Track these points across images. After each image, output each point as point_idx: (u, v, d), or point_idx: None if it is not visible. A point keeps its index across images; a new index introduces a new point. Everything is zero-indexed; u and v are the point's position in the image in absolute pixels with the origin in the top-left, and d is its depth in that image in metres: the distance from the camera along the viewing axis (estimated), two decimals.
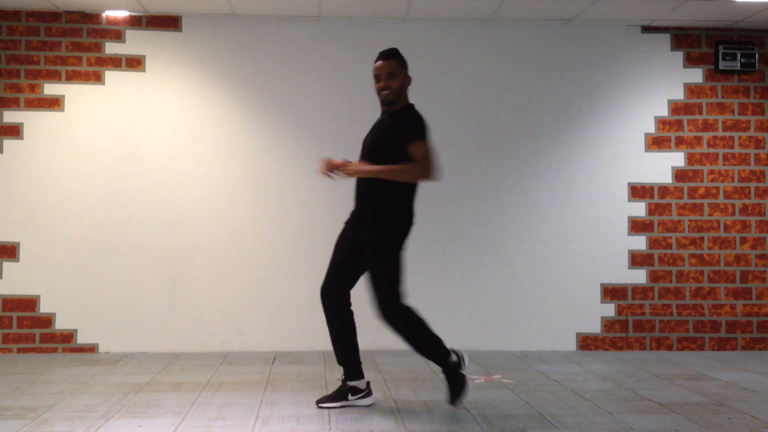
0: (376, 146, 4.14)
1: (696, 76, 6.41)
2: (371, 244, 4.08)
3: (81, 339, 6.00)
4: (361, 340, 6.10)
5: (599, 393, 4.60)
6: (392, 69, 4.11)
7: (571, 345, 6.27)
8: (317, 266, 6.19)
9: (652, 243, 6.33)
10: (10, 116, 6.04)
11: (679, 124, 6.39)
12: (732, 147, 6.39)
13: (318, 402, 4.23)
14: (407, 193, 4.11)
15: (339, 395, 4.22)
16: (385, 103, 4.16)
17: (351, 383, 4.23)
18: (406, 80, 4.17)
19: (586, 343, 6.28)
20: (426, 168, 3.98)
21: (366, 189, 4.12)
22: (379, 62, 4.14)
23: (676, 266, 6.33)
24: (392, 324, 4.11)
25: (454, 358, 4.14)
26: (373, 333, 6.18)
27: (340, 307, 4.24)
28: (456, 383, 4.13)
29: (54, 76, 6.08)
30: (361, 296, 6.26)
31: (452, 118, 6.27)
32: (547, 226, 6.30)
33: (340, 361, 4.28)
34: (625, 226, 6.33)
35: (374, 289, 4.12)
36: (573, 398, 4.47)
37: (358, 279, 4.23)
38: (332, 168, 4.13)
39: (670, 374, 5.23)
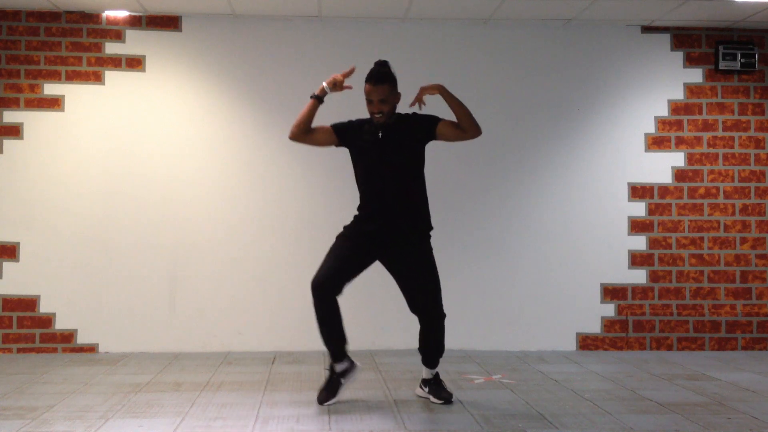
0: (409, 161, 4.27)
1: (696, 76, 6.41)
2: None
3: (81, 339, 6.00)
4: (361, 339, 6.15)
5: (599, 393, 4.60)
6: (384, 95, 4.16)
7: (571, 345, 6.27)
8: (317, 266, 6.21)
9: (652, 243, 6.33)
10: (10, 116, 6.04)
11: (679, 124, 6.39)
12: (732, 147, 6.39)
13: (323, 401, 4.27)
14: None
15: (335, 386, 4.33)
16: (378, 124, 4.24)
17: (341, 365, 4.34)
18: (398, 99, 4.26)
19: (586, 343, 6.28)
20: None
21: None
22: (371, 87, 4.17)
23: (676, 266, 6.33)
24: None
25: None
26: (373, 333, 6.21)
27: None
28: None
29: (54, 76, 6.08)
30: (354, 297, 6.25)
31: (451, 118, 6.25)
32: (547, 226, 6.30)
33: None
34: (625, 226, 6.33)
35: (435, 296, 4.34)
36: (573, 398, 4.47)
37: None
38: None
39: (670, 374, 5.23)
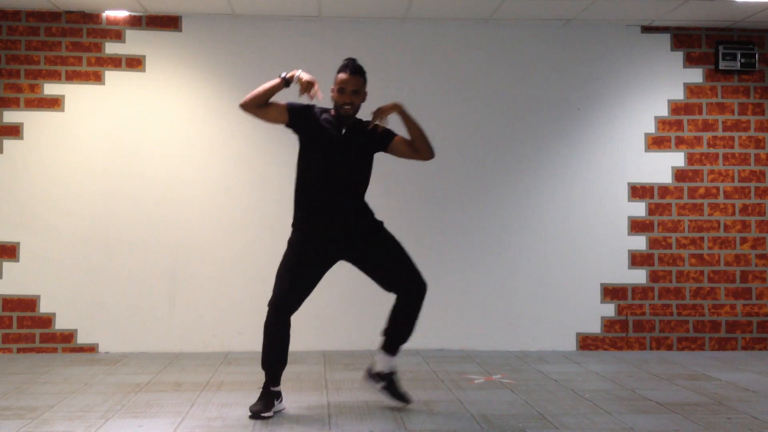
0: (364, 165, 4.20)
1: (696, 76, 6.41)
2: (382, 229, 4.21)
3: (81, 339, 6.00)
4: (361, 339, 6.14)
5: (599, 393, 4.60)
6: (357, 87, 4.10)
7: (571, 345, 6.27)
8: None
9: (652, 243, 6.33)
10: (10, 116, 6.04)
11: (679, 124, 6.39)
12: (732, 147, 6.39)
13: (259, 412, 4.00)
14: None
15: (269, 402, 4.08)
16: (345, 116, 4.13)
17: (275, 389, 4.13)
18: (365, 98, 4.18)
19: (586, 343, 6.28)
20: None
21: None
22: (346, 76, 4.09)
23: (676, 266, 6.33)
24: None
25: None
26: (373, 333, 6.20)
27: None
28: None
29: (54, 76, 6.08)
30: (354, 297, 6.26)
31: (452, 118, 6.27)
32: (548, 226, 6.30)
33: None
34: (625, 226, 6.33)
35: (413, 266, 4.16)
36: (573, 398, 4.47)
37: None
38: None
39: (670, 374, 5.24)
